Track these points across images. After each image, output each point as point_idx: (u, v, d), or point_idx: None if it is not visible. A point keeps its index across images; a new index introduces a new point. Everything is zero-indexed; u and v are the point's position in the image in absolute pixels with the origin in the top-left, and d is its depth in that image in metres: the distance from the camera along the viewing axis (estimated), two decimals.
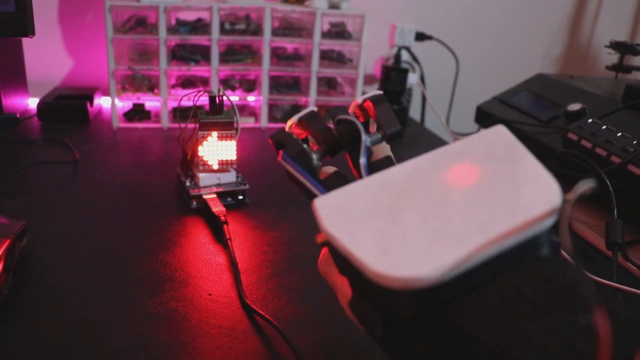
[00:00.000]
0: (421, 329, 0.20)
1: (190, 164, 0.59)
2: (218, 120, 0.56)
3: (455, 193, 0.21)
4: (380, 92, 0.31)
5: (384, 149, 0.30)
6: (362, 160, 0.27)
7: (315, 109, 0.31)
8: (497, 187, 0.21)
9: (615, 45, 0.93)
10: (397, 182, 0.22)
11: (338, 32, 0.88)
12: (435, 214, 0.20)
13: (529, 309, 0.18)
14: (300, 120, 0.31)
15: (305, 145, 0.29)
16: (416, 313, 0.20)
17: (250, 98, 0.88)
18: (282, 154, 0.29)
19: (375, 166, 0.29)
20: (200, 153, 0.56)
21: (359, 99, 0.31)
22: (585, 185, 0.21)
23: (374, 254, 0.19)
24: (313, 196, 0.26)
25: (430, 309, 0.19)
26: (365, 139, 0.28)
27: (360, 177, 0.27)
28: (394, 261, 0.19)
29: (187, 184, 0.57)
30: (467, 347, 0.18)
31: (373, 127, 0.31)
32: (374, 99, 0.30)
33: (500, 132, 0.23)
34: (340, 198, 0.22)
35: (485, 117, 0.84)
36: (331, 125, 0.31)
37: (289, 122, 0.31)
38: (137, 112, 0.85)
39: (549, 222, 0.20)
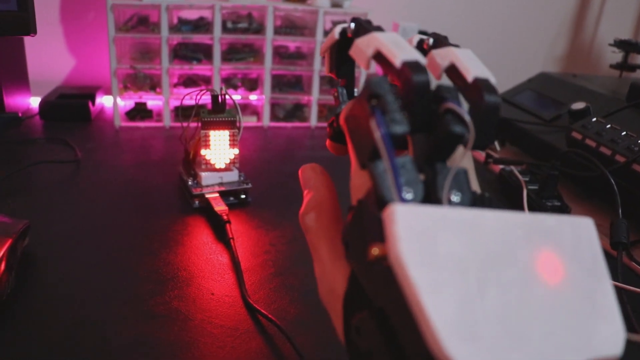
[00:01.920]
0: None
1: (192, 163, 0.59)
2: (220, 119, 0.56)
3: (538, 287, 0.18)
4: (487, 78, 0.22)
5: (464, 156, 0.22)
6: (450, 174, 0.20)
7: (423, 61, 0.22)
8: (577, 307, 0.19)
9: (620, 44, 0.92)
10: (489, 237, 0.18)
11: None
12: (517, 305, 0.17)
13: None
14: (406, 64, 0.21)
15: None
16: None
17: (253, 97, 0.88)
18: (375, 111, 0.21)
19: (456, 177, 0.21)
20: (202, 152, 0.56)
21: (459, 57, 0.22)
22: None
23: (451, 330, 0.16)
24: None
25: None
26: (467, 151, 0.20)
27: (434, 190, 0.20)
28: (469, 354, 0.16)
29: (190, 183, 0.57)
30: None
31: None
32: (485, 86, 0.21)
33: (589, 230, 0.20)
34: (426, 221, 0.17)
35: None
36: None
37: (391, 55, 0.22)
38: (139, 111, 0.85)
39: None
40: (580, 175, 0.60)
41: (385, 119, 0.20)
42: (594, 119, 0.63)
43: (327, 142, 0.31)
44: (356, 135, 0.22)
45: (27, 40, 0.90)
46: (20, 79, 0.88)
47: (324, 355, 0.36)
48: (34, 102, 0.90)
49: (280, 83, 0.89)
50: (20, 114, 0.81)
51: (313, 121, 0.90)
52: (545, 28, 1.24)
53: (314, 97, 0.88)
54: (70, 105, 0.84)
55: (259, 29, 0.84)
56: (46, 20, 0.94)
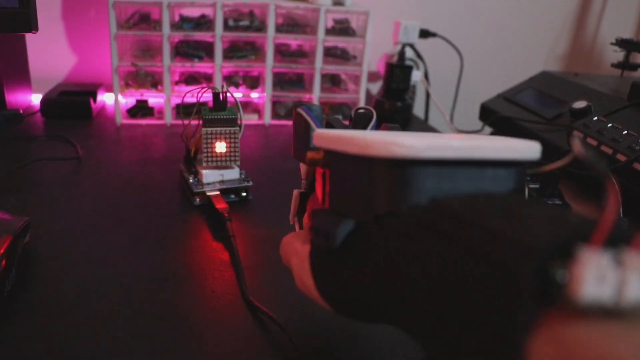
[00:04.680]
0: (380, 239, 0.22)
1: (193, 160, 0.59)
2: (221, 116, 0.56)
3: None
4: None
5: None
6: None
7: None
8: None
9: (621, 43, 0.92)
10: None
11: (342, 28, 0.88)
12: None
13: (502, 212, 0.19)
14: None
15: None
16: (392, 207, 0.22)
17: (254, 95, 0.88)
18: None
19: None
20: (203, 150, 0.56)
21: None
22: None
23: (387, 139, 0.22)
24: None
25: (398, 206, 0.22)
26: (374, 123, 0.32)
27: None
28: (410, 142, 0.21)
29: (191, 180, 0.57)
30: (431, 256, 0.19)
31: None
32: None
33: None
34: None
35: (489, 115, 0.84)
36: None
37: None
38: (141, 109, 0.85)
39: (529, 154, 0.23)
40: (581, 174, 0.60)
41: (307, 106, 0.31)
42: (595, 118, 0.63)
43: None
44: (297, 134, 0.33)
45: (29, 37, 0.90)
46: (21, 76, 0.88)
47: (324, 354, 0.36)
48: (35, 99, 0.91)
49: (281, 81, 0.89)
50: (21, 111, 0.81)
51: None
52: (547, 27, 1.24)
53: (315, 95, 0.88)
54: (72, 102, 0.84)
55: (261, 27, 0.83)
56: (47, 17, 0.94)
